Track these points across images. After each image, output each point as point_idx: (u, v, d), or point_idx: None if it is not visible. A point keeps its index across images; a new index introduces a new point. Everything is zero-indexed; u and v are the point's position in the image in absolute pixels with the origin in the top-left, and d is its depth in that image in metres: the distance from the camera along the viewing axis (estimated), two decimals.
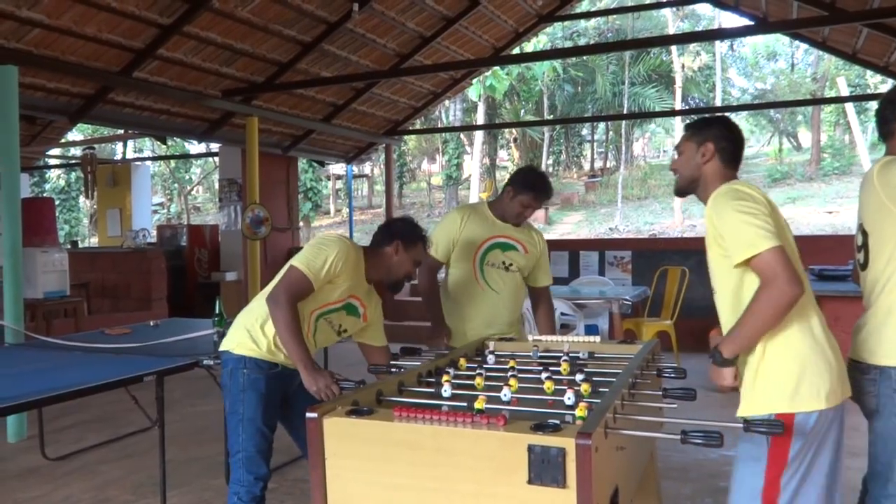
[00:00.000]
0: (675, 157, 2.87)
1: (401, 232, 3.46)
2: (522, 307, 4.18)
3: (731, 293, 2.65)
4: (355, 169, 29.37)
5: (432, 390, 2.74)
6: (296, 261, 3.24)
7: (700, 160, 2.81)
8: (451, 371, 2.99)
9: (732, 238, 2.50)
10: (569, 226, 26.03)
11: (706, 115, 2.91)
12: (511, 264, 4.07)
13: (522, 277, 4.19)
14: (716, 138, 2.80)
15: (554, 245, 11.46)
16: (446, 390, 2.66)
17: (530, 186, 4.00)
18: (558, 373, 2.97)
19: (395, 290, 3.49)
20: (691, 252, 10.40)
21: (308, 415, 2.32)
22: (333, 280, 3.28)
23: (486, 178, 30.35)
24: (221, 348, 3.38)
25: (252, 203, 10.23)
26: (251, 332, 3.35)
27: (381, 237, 3.51)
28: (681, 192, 2.88)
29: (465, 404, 2.43)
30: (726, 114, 8.46)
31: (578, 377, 2.85)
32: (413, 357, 3.39)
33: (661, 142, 39.86)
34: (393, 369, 3.13)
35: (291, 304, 3.14)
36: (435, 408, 2.27)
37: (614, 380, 2.71)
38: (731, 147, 2.83)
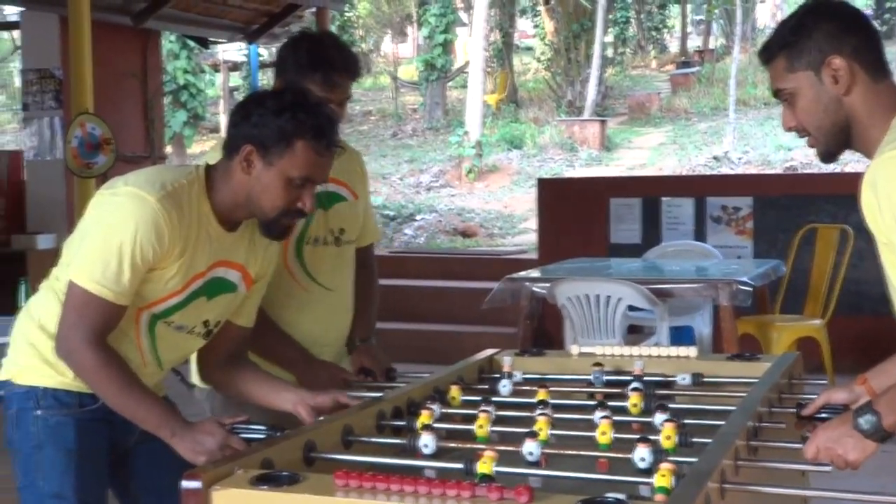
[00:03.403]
0: (784, 110, 2.10)
1: (253, 122, 2.31)
2: None
3: None
4: (264, 52, 19.28)
5: (403, 442, 2.20)
6: (74, 270, 2.26)
7: (835, 91, 2.01)
8: (436, 408, 2.34)
9: None
10: (642, 152, 17.64)
11: (793, 15, 2.12)
12: (343, 231, 2.84)
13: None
14: (838, 42, 2.01)
15: (614, 186, 8.74)
16: (427, 443, 2.13)
17: (311, 64, 2.67)
18: (623, 411, 2.41)
19: (270, 234, 2.40)
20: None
21: (185, 485, 1.80)
22: (156, 268, 2.28)
23: (496, 69, 21.93)
24: None
25: (82, 113, 7.17)
26: (42, 347, 2.38)
27: (228, 137, 2.38)
28: (829, 155, 2.12)
29: (460, 466, 1.97)
30: None
31: (659, 418, 2.27)
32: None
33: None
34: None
35: (95, 346, 2.21)
36: (408, 472, 1.88)
37: (722, 424, 2.21)
38: (867, 43, 2.03)
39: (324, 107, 2.30)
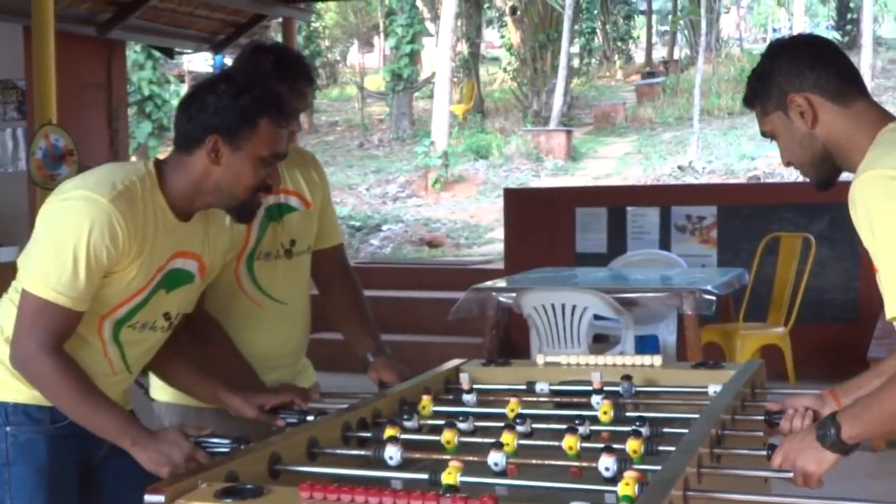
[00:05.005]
0: (779, 148, 2.21)
1: (214, 110, 2.27)
2: None
3: None
4: (229, 63, 19.81)
5: (369, 453, 2.18)
6: (28, 278, 2.20)
7: (804, 127, 2.07)
8: (404, 420, 2.33)
9: (889, 277, 1.90)
10: (608, 162, 17.90)
11: (759, 61, 2.19)
12: (294, 242, 2.74)
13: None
14: (797, 79, 2.06)
15: (579, 196, 8.78)
16: (393, 455, 2.11)
17: (278, 75, 2.62)
18: (591, 420, 2.38)
19: (241, 218, 2.40)
20: (822, 207, 7.26)
21: (147, 499, 1.78)
22: (115, 271, 2.23)
23: (462, 79, 22.12)
24: None
25: (45, 124, 6.93)
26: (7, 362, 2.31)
27: (184, 132, 2.33)
28: (822, 184, 2.18)
29: (425, 477, 1.97)
30: None
31: (624, 427, 2.26)
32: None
33: (769, 14, 27.43)
34: (293, 417, 2.39)
35: (52, 353, 2.15)
36: (373, 484, 1.87)
37: (686, 431, 2.20)
38: (829, 73, 2.07)
39: (270, 79, 2.36)
